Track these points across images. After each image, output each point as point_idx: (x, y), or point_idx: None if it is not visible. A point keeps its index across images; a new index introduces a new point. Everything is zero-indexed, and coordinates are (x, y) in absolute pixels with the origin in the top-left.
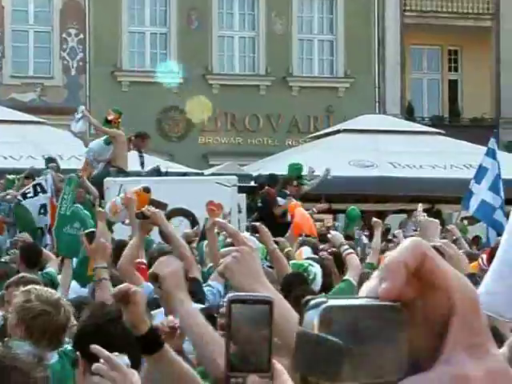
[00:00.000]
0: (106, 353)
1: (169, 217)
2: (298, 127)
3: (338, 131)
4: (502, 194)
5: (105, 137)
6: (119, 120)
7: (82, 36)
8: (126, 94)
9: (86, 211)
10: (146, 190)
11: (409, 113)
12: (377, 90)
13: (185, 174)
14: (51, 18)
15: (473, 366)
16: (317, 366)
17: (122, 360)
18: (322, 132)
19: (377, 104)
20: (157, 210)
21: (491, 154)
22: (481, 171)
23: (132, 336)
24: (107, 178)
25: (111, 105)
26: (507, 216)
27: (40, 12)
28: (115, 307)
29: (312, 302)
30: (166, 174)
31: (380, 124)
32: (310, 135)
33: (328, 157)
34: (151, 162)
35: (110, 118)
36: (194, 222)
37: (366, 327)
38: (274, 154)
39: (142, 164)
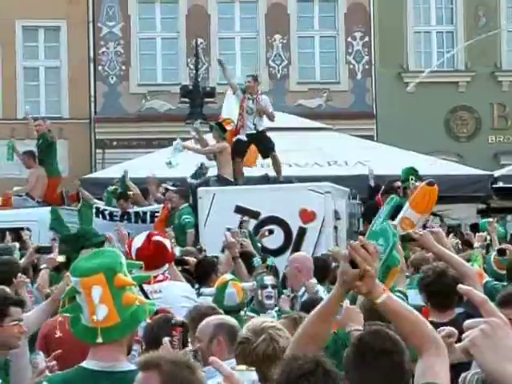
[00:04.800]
0: (226, 367)
1: (261, 225)
2: None
3: None
4: None
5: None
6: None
7: (367, 39)
8: (412, 95)
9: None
10: (431, 184)
11: None
12: None
13: (289, 182)
14: (336, 21)
15: None
16: None
17: (248, 376)
18: None
19: None
20: (424, 231)
21: None
22: None
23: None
24: (201, 188)
25: (397, 107)
26: None
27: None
28: (311, 359)
29: None
30: (275, 181)
31: None
32: None
33: None
34: (438, 163)
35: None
36: (287, 231)
37: None
38: None
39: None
